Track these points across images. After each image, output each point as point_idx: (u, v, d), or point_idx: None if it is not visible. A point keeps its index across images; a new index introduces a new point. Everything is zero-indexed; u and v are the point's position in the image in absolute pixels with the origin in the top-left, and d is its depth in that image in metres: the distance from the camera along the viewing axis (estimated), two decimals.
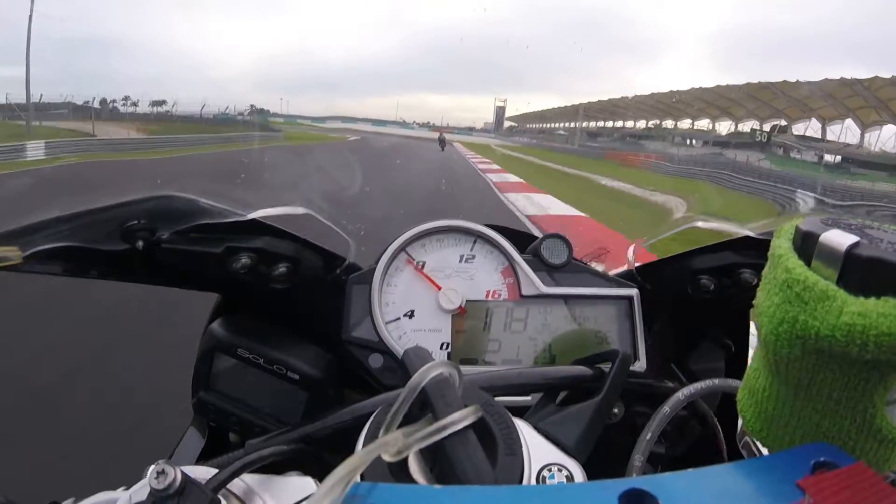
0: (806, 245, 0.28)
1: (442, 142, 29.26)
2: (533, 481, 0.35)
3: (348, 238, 0.73)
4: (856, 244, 0.25)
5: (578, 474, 0.38)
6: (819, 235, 0.27)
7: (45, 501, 0.40)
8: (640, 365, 0.71)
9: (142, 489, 0.34)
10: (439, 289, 0.72)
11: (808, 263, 0.27)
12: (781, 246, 0.29)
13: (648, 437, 0.47)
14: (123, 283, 0.62)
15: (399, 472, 0.32)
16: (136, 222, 0.54)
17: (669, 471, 0.26)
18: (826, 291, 0.25)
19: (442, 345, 0.70)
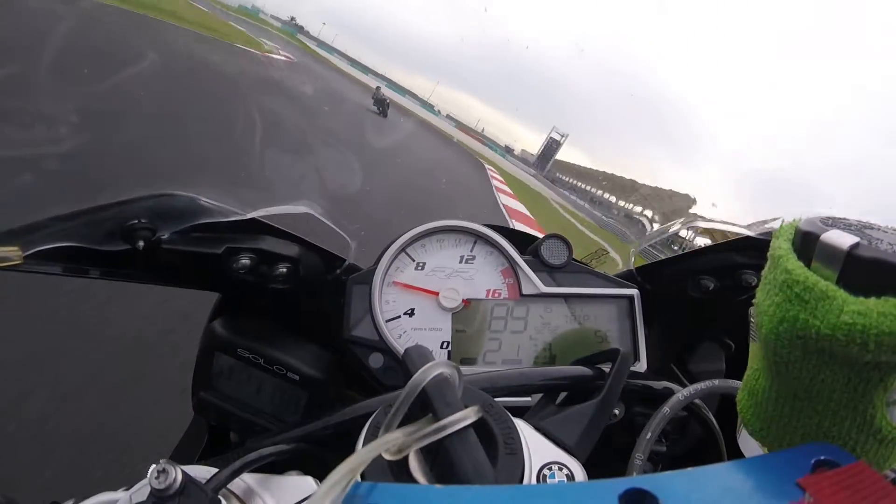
0: (805, 245, 0.28)
1: (381, 103, 19.11)
2: (533, 480, 0.35)
3: (348, 238, 0.74)
4: (856, 245, 0.25)
5: (579, 473, 0.38)
6: (819, 236, 0.27)
7: (45, 501, 0.40)
8: (640, 365, 0.71)
9: (142, 489, 0.34)
10: (436, 295, 0.72)
11: (808, 264, 0.27)
12: (781, 247, 0.29)
13: (648, 436, 0.47)
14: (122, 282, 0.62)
15: (399, 471, 0.32)
16: (136, 222, 0.54)
17: (669, 470, 0.26)
18: (826, 291, 0.25)
19: (442, 343, 0.71)
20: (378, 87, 20.70)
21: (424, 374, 0.31)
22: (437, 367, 0.32)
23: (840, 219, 0.29)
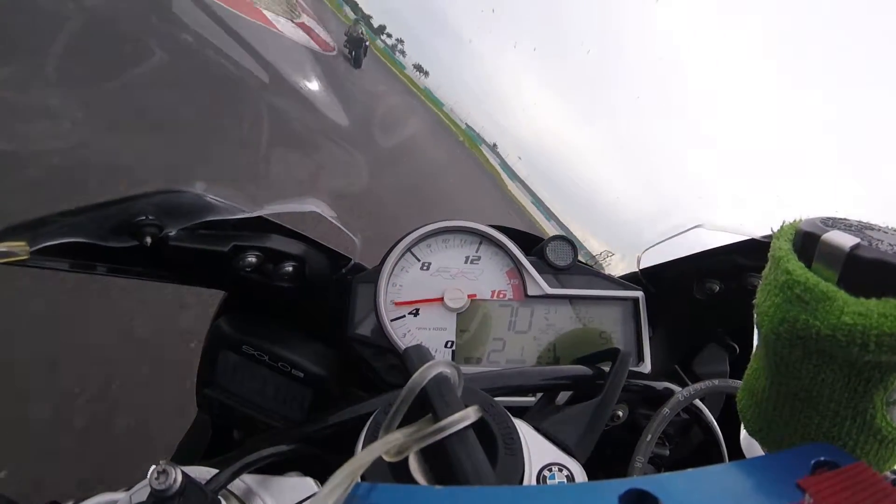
0: (806, 246, 0.28)
1: (356, 44, 13.13)
2: (533, 481, 0.35)
3: (354, 237, 0.74)
4: (857, 245, 0.25)
5: (579, 474, 0.38)
6: (820, 236, 0.26)
7: (45, 501, 0.40)
8: (644, 367, 0.71)
9: (142, 490, 0.34)
10: (440, 301, 0.72)
11: (809, 264, 0.27)
12: (781, 248, 0.29)
13: (649, 437, 0.46)
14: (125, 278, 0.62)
15: (399, 472, 0.32)
16: (143, 218, 0.54)
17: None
18: (826, 292, 0.25)
19: (446, 343, 0.71)
20: (356, 20, 14.38)
21: (424, 374, 0.31)
22: (437, 366, 0.32)
23: (840, 219, 0.29)
